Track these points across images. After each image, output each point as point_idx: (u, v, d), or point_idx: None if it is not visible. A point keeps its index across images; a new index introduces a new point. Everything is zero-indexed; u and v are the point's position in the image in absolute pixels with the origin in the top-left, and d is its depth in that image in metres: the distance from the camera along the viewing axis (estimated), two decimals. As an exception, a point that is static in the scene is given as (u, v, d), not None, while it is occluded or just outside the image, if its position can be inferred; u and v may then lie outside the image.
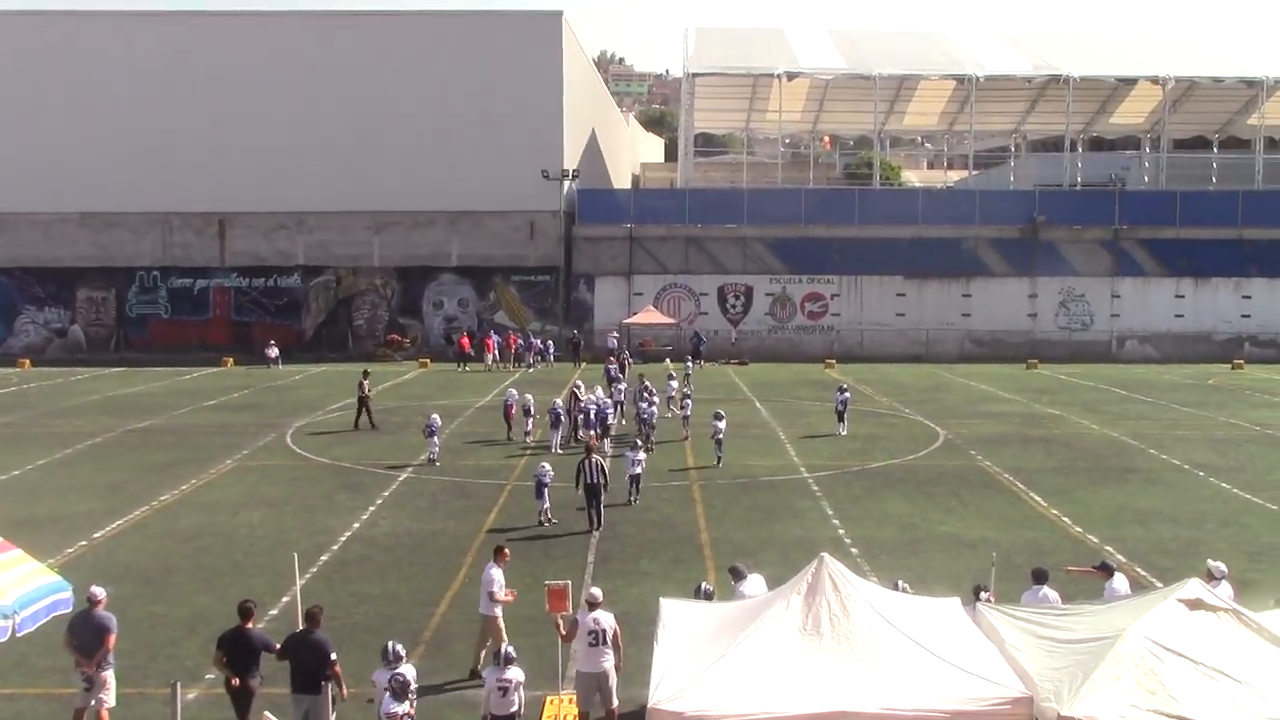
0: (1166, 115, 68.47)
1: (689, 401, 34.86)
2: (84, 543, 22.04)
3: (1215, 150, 78.84)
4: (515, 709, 12.25)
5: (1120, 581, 15.02)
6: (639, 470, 25.40)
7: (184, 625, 17.19)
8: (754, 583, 14.57)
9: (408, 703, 11.55)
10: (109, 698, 13.22)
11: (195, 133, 60.29)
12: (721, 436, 29.83)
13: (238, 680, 12.70)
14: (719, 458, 29.63)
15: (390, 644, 12.26)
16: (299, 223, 61.96)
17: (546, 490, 23.18)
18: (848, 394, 35.44)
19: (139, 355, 60.08)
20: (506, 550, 16.22)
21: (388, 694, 11.63)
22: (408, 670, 12.17)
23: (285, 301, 62.45)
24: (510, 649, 12.50)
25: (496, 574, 15.49)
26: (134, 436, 34.73)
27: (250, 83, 60.55)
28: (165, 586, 19.23)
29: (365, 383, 36.35)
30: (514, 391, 35.43)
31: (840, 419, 34.68)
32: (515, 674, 12.30)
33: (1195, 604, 10.23)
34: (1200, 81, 67.11)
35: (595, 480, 22.71)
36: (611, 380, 39.92)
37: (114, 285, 62.37)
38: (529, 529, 22.89)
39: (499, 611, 15.43)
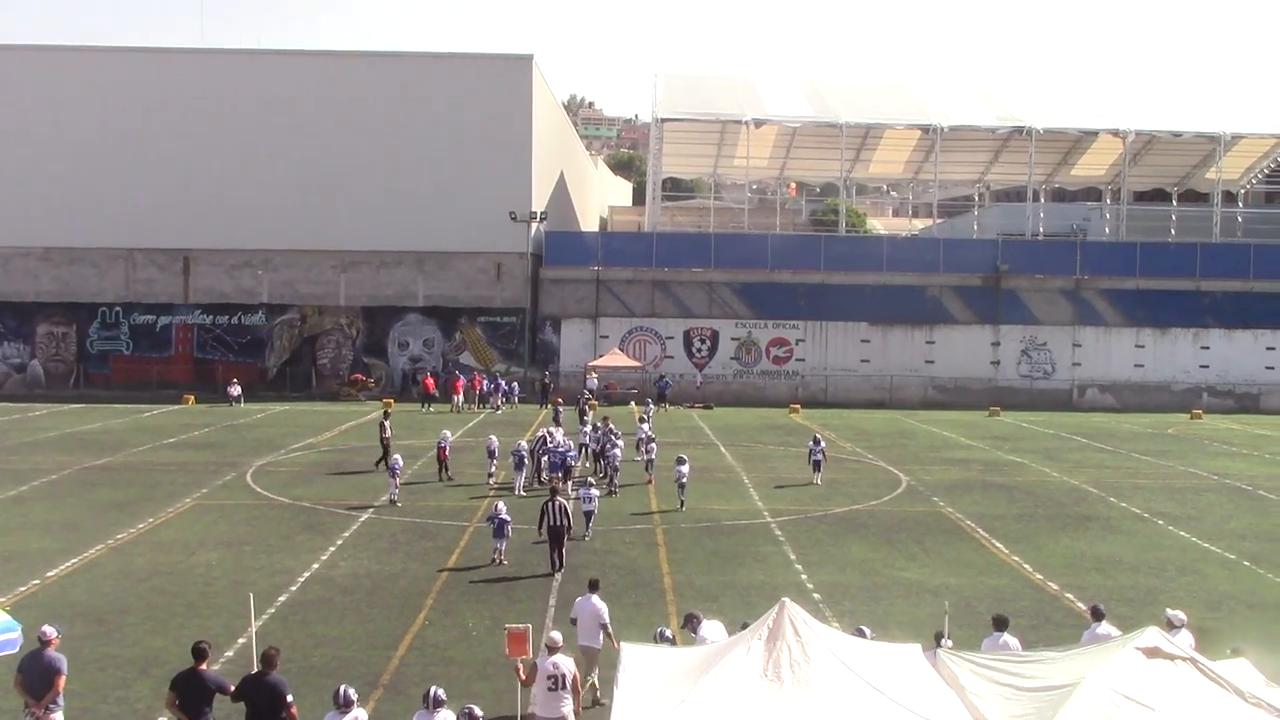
0: (1127, 168, 69.57)
1: (653, 445, 34.83)
2: (36, 582, 21.67)
3: (1174, 203, 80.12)
4: None
5: (1105, 628, 15.01)
6: (593, 506, 26.18)
7: (136, 666, 16.89)
8: (712, 628, 14.48)
9: None
10: (57, 740, 12.97)
11: (161, 168, 60.11)
12: (684, 480, 29.78)
13: (190, 722, 12.49)
14: (682, 501, 29.57)
15: (342, 688, 12.14)
16: (264, 260, 61.70)
17: (507, 529, 23.18)
18: (823, 444, 34.83)
19: (99, 391, 59.46)
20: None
21: None
22: (362, 715, 12.04)
23: (249, 339, 62.04)
24: (440, 691, 12.24)
25: (603, 605, 15.85)
26: (91, 474, 34.27)
27: (218, 120, 60.47)
28: (118, 627, 18.90)
29: (386, 424, 36.00)
30: (447, 433, 35.10)
31: (817, 469, 34.04)
32: (446, 717, 12.05)
33: (1153, 652, 10.26)
34: (1160, 135, 68.28)
35: (559, 522, 22.62)
36: (557, 421, 40.78)
37: (75, 320, 61.79)
38: (490, 570, 22.76)
39: (602, 642, 15.55)
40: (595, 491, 26.89)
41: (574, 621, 16.01)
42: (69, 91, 60.60)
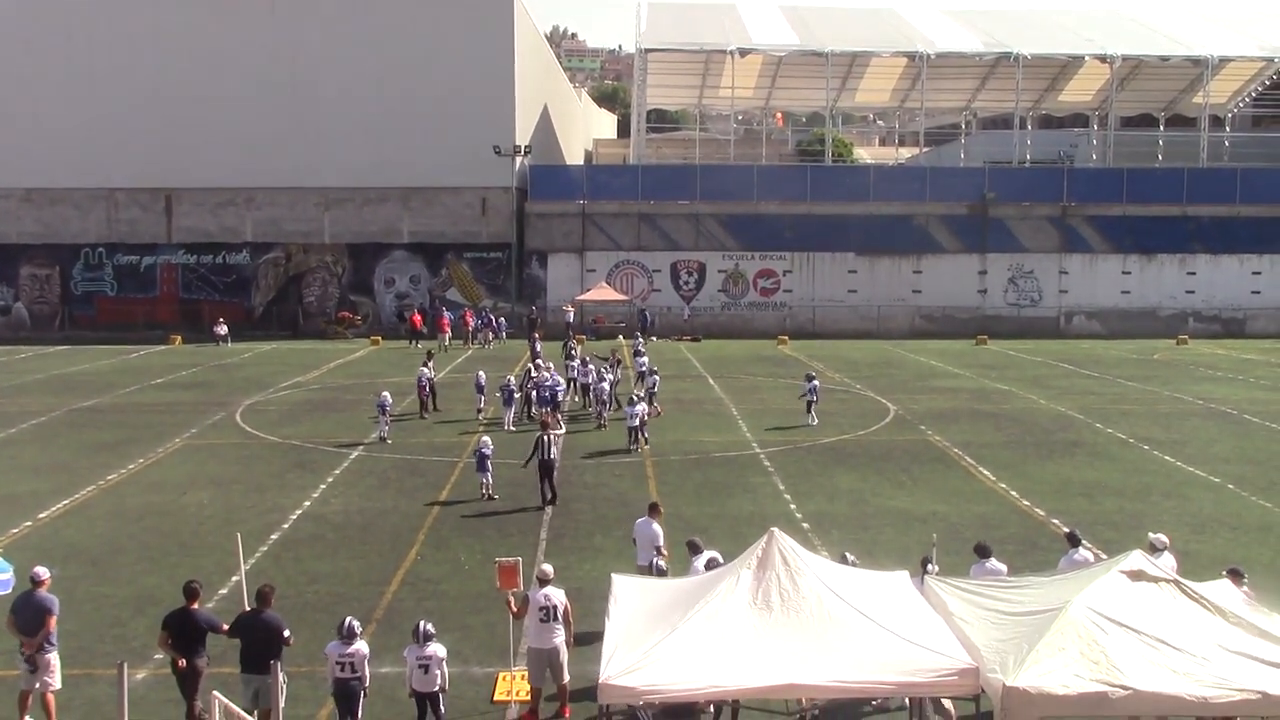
0: (1114, 93, 69.08)
1: (655, 378, 34.74)
2: (28, 523, 21.74)
3: (1161, 128, 79.74)
4: (439, 685, 12.27)
5: (1082, 554, 15.23)
6: (636, 423, 28.34)
7: (131, 605, 17.01)
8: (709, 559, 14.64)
9: None
10: (54, 680, 13.06)
11: (141, 107, 59.31)
12: (638, 423, 28.89)
13: (184, 661, 12.59)
14: (645, 439, 28.93)
15: (347, 619, 12.29)
16: (248, 199, 61.16)
17: (489, 464, 23.33)
18: (816, 382, 33.55)
19: (84, 333, 59.22)
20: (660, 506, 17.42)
21: None
22: (363, 646, 12.16)
23: (234, 278, 61.68)
24: (429, 625, 12.47)
25: (659, 529, 16.52)
26: (79, 416, 34.23)
27: (198, 57, 59.58)
28: (112, 567, 19.00)
29: (430, 364, 35.35)
30: (425, 370, 34.80)
31: (809, 409, 32.77)
32: (436, 649, 12.30)
33: (1137, 575, 10.39)
34: (1147, 60, 67.88)
35: (549, 457, 22.72)
36: (534, 355, 40.56)
37: (58, 262, 61.29)
38: (480, 505, 22.89)
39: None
40: (640, 408, 28.74)
41: (635, 542, 16.83)
42: (46, 30, 59.60)
